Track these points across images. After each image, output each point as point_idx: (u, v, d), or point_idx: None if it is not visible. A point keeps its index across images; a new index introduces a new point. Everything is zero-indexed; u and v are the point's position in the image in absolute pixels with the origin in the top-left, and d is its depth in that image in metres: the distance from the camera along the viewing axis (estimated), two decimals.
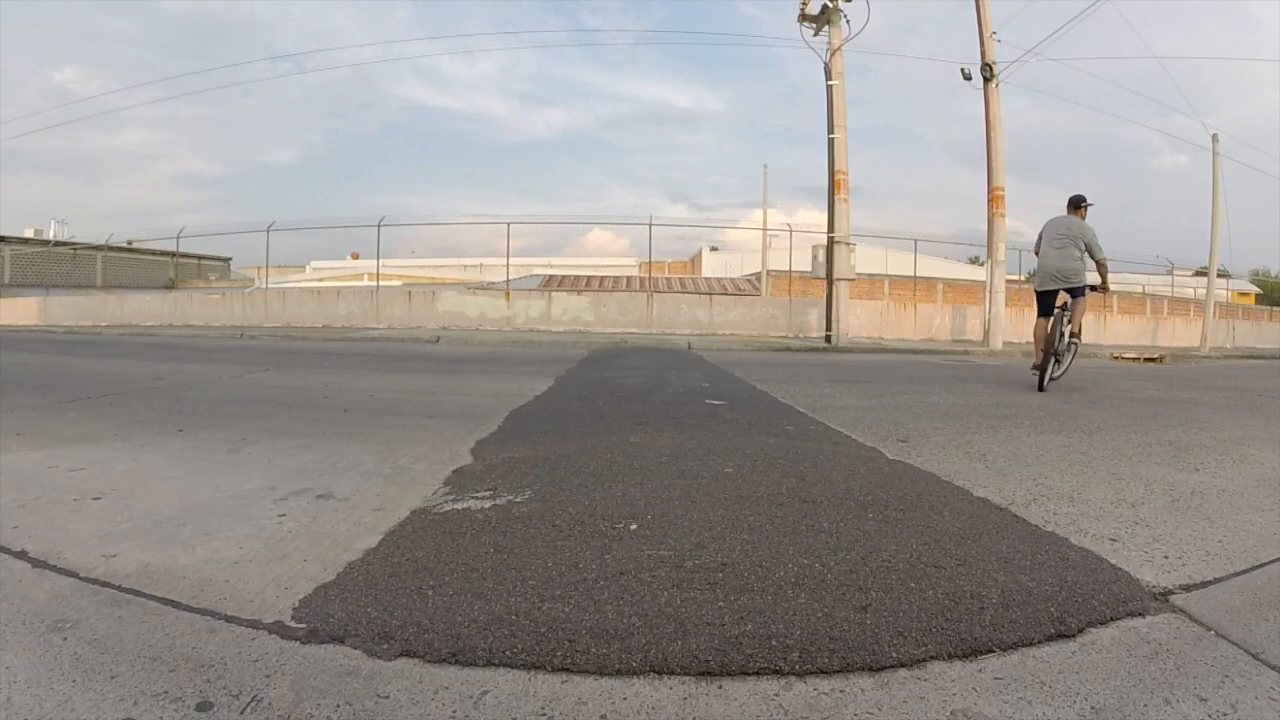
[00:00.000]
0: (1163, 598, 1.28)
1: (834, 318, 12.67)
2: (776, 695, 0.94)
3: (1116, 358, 11.86)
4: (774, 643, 1.05)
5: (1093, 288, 5.30)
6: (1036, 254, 5.55)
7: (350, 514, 1.71)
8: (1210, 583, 1.36)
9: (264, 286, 19.65)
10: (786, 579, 1.26)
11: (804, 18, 12.52)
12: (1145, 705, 0.92)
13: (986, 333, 13.22)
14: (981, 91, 12.87)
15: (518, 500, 1.74)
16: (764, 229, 25.09)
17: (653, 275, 23.58)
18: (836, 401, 4.17)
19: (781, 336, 15.34)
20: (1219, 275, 20.64)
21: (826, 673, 0.99)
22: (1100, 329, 20.55)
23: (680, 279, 28.61)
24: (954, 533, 1.55)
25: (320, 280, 28.87)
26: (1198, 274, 26.08)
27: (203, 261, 33.49)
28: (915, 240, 21.89)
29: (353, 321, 16.85)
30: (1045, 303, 5.40)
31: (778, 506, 1.67)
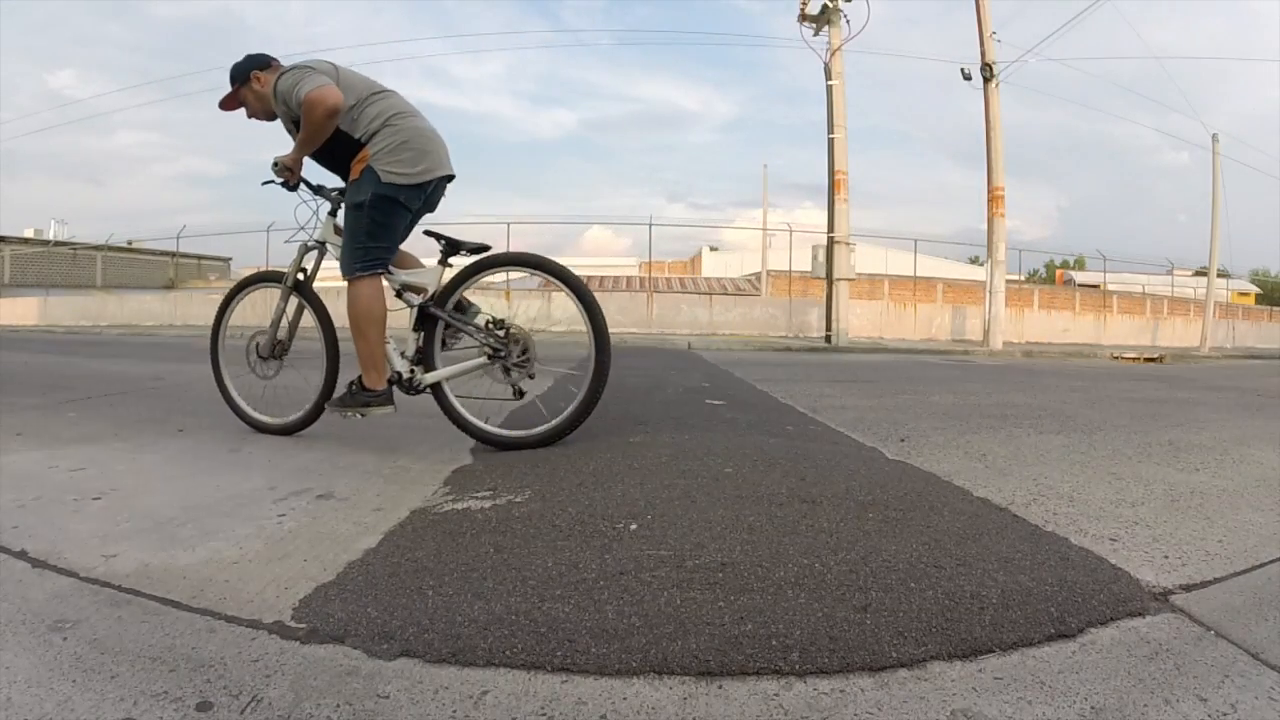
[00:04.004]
0: (1163, 598, 1.28)
1: (834, 317, 12.68)
2: (776, 695, 0.94)
3: (1116, 357, 11.87)
4: (774, 643, 1.05)
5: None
6: None
7: (350, 514, 1.71)
8: (1210, 583, 1.36)
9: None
10: (786, 579, 1.26)
11: (804, 18, 12.54)
12: (1145, 705, 0.92)
13: (987, 333, 13.23)
14: (981, 91, 12.89)
15: (518, 500, 1.74)
16: (764, 229, 25.09)
17: (653, 275, 23.58)
18: (836, 401, 4.17)
19: (781, 336, 15.33)
20: (1219, 275, 20.64)
21: (826, 673, 0.99)
22: (1100, 328, 20.53)
23: (680, 279, 28.62)
24: (954, 533, 1.55)
25: (321, 280, 28.82)
26: (1197, 274, 26.08)
27: (203, 261, 33.46)
28: (915, 240, 21.95)
29: None
30: None
31: (778, 506, 1.67)
